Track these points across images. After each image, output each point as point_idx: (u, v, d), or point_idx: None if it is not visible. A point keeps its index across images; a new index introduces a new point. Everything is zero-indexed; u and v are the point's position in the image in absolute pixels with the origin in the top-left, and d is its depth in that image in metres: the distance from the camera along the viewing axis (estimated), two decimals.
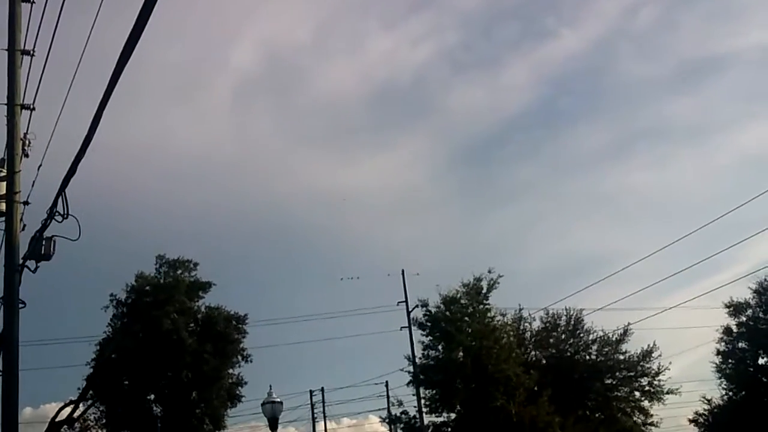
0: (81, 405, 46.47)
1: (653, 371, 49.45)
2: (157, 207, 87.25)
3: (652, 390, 49.57)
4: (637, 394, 50.41)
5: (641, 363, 49.75)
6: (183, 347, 45.71)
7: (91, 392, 46.72)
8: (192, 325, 48.31)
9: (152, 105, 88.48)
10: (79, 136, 11.81)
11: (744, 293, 49.16)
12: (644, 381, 49.92)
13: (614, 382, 50.60)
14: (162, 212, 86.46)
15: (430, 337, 46.25)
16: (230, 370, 48.64)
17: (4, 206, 16.52)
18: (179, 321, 46.62)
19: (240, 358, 48.48)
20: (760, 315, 48.97)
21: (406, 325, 52.62)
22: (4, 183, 16.58)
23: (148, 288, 46.93)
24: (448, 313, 45.38)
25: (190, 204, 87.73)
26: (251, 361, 48.49)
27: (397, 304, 54.95)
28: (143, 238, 76.21)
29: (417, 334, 48.44)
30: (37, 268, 16.37)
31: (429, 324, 46.03)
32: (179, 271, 48.17)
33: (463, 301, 45.71)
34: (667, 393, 49.30)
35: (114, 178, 73.33)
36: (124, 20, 8.55)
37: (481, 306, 46.04)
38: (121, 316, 47.08)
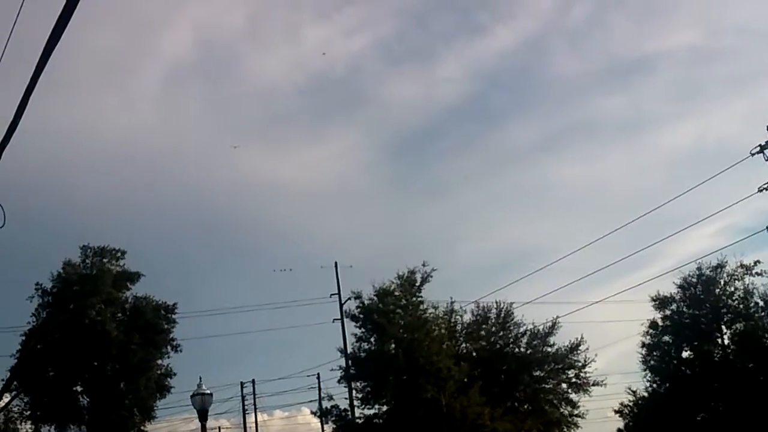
0: (5, 396, 45.45)
1: (580, 364, 50.40)
2: (84, 195, 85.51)
3: (579, 382, 50.51)
4: (565, 386, 51.32)
5: (569, 356, 50.62)
6: (108, 338, 45.00)
7: (15, 383, 45.72)
8: (119, 315, 47.60)
9: (79, 91, 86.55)
10: (5, 122, 11.48)
11: (669, 288, 50.33)
12: (571, 373, 50.81)
13: (542, 375, 51.41)
14: (89, 200, 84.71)
15: (362, 330, 46.34)
16: (159, 361, 48.11)
17: None
18: (105, 311, 45.88)
19: (169, 348, 47.98)
20: (684, 309, 50.13)
21: (339, 317, 52.65)
22: None
23: (75, 277, 46.04)
24: (381, 305, 45.49)
25: (118, 192, 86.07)
26: (181, 351, 48.12)
27: (330, 297, 54.95)
28: (70, 226, 74.62)
29: (350, 326, 48.53)
30: None
31: (362, 316, 46.09)
32: (106, 260, 47.37)
33: (396, 294, 45.87)
34: (594, 385, 50.34)
35: (39, 165, 71.58)
36: (53, 4, 8.33)
37: (414, 299, 46.25)
38: (47, 305, 46.13)
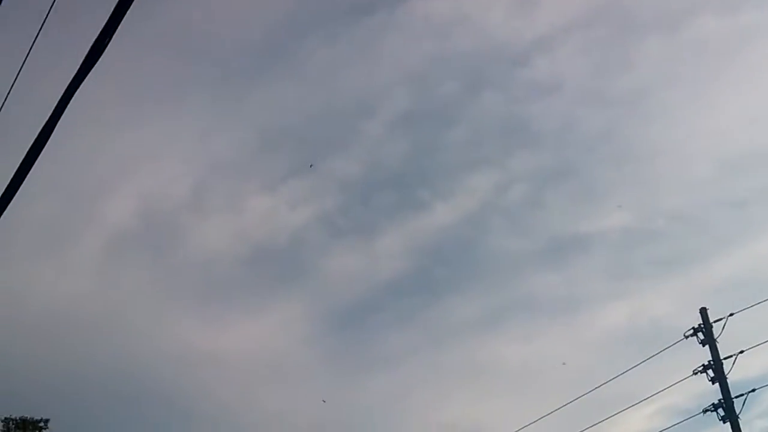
0: None
1: None
2: (10, 364, 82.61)
3: None
4: None
5: None
6: None
7: None
8: None
9: (11, 260, 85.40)
10: None
11: None
12: None
13: None
14: (18, 371, 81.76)
15: None
16: None
17: None
18: None
19: None
20: None
21: None
22: None
23: None
24: None
25: (48, 361, 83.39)
26: None
27: None
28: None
29: None
30: None
31: None
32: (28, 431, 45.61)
33: None
34: None
35: None
36: None
37: None
38: None
